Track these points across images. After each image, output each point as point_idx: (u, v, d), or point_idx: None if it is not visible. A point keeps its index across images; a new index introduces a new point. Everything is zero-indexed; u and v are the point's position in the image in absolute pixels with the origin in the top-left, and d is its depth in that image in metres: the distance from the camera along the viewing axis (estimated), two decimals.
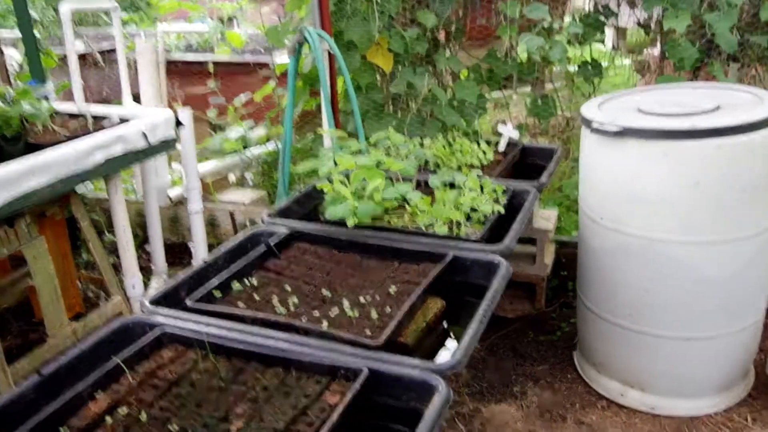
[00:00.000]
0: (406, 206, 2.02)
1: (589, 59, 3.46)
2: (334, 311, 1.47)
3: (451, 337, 1.59)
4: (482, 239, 1.81)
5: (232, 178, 3.87)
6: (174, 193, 3.44)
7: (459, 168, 2.46)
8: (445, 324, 1.63)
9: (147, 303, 1.53)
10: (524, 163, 2.68)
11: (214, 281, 1.60)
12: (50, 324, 2.58)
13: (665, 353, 2.11)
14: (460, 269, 1.72)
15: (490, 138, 2.85)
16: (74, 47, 2.86)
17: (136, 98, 3.68)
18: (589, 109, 2.14)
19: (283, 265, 1.72)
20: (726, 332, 2.08)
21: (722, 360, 2.13)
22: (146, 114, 2.73)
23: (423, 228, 1.89)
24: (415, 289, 1.52)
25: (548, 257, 2.77)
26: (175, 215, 3.68)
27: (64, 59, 5.24)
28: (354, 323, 1.42)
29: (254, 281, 1.63)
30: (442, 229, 1.81)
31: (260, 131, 3.87)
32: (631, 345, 2.16)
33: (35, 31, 4.47)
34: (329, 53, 2.90)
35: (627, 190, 2.00)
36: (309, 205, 2.18)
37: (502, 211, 2.02)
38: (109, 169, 2.49)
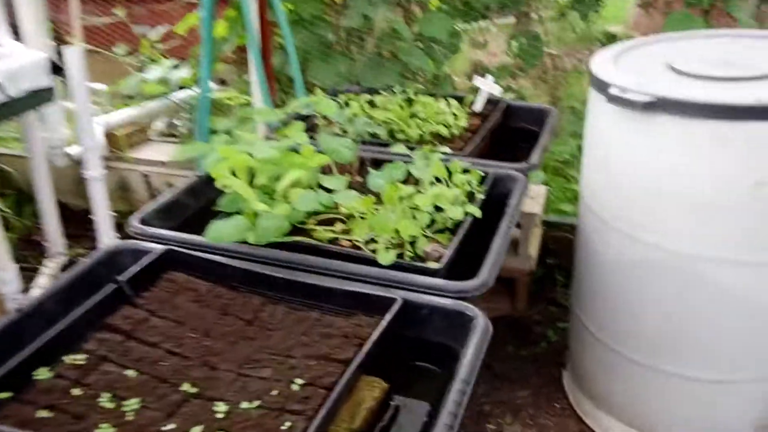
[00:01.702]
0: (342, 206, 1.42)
1: None
2: (197, 428, 0.89)
3: None
4: (446, 269, 1.23)
5: (159, 126, 3.18)
6: (75, 150, 2.76)
7: (420, 139, 1.83)
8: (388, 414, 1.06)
9: None
10: (508, 129, 2.06)
11: (20, 356, 1.00)
12: None
13: (694, 397, 1.60)
14: (412, 321, 1.14)
15: (462, 89, 2.22)
16: None
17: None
18: (603, 66, 1.52)
19: (139, 317, 1.12)
20: None
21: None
22: (4, 56, 2.04)
23: (361, 246, 1.29)
24: (337, 383, 0.94)
25: (534, 246, 2.21)
26: (80, 176, 3.01)
27: None
28: None
29: (83, 355, 1.02)
30: (386, 256, 1.21)
31: (184, 71, 3.15)
32: (645, 383, 1.63)
33: None
34: None
35: (657, 187, 1.40)
36: (207, 195, 1.56)
37: (478, 213, 1.42)
38: None
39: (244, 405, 0.91)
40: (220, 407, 0.92)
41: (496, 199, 1.55)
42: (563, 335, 2.15)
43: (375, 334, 1.03)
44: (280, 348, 1.05)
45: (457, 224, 1.44)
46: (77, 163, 2.76)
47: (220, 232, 1.20)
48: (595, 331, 1.73)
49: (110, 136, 2.88)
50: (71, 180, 2.97)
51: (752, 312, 1.46)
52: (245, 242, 1.27)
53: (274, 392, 0.94)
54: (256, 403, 0.92)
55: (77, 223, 2.86)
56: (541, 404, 1.92)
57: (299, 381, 0.96)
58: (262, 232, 1.22)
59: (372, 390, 1.02)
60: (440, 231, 1.43)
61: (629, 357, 1.65)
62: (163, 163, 2.87)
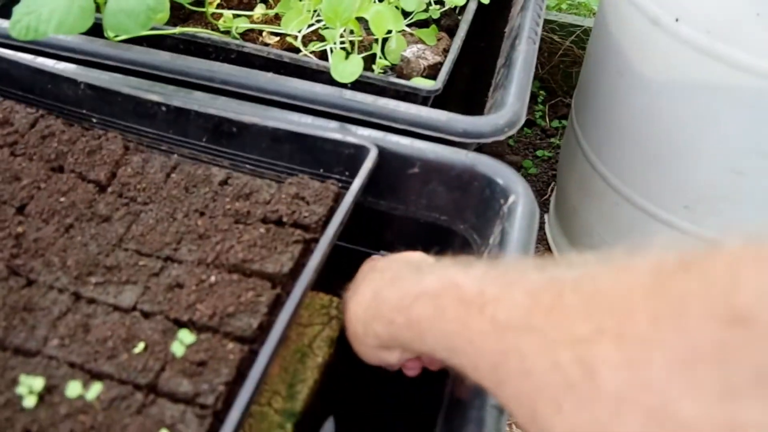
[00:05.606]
0: None
1: None
2: None
3: None
4: (439, 91, 0.74)
5: None
6: None
7: None
8: None
9: None
10: None
11: None
12: None
13: None
14: (391, 187, 0.67)
15: None
16: None
17: None
18: None
19: None
20: None
21: None
22: None
23: (298, 45, 0.77)
24: (266, 334, 0.48)
25: None
26: None
27: None
28: None
29: None
30: (346, 65, 0.70)
31: None
32: None
33: None
34: None
35: None
36: None
37: None
38: None
39: (74, 388, 0.45)
40: (31, 383, 0.45)
41: None
42: (546, 167, 1.77)
43: (335, 221, 0.56)
44: (154, 240, 0.56)
45: (444, 14, 0.93)
46: None
47: (38, 19, 0.64)
48: (615, 182, 1.30)
49: None
50: None
51: None
52: (100, 35, 0.73)
53: (137, 349, 0.47)
54: (96, 388, 0.45)
55: None
56: None
57: (189, 321, 0.49)
58: (117, 17, 0.66)
59: (327, 325, 0.57)
60: (419, 24, 0.91)
61: (673, 223, 1.24)
62: None
